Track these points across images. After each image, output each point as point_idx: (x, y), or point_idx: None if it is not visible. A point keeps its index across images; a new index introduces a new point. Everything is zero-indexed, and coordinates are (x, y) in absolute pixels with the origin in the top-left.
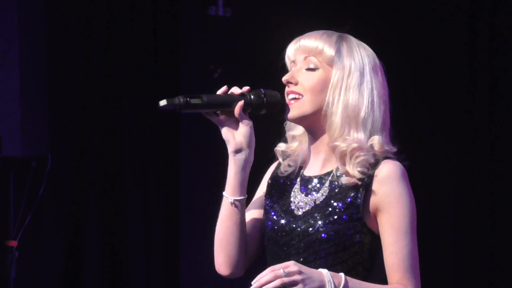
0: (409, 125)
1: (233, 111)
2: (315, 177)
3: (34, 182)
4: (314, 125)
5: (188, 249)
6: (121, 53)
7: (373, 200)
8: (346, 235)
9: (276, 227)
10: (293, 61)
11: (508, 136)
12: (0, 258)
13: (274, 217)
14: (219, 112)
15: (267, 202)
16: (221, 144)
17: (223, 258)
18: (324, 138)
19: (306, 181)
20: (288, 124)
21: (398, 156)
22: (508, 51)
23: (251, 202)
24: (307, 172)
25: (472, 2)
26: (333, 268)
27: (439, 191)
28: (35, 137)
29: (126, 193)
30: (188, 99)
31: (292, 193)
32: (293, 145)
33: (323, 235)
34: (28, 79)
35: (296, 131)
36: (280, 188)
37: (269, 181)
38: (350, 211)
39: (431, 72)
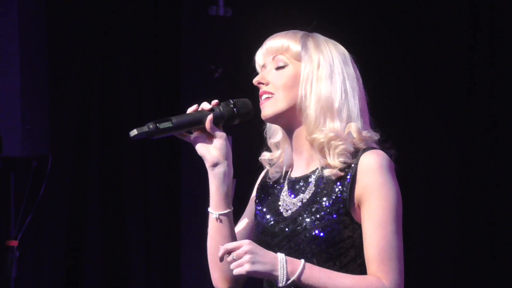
0: (409, 125)
1: (204, 127)
2: (301, 177)
3: (34, 182)
4: (291, 122)
5: (189, 249)
6: (121, 53)
7: (357, 192)
8: (335, 230)
9: (266, 230)
10: (263, 65)
11: (509, 135)
12: (1, 258)
13: (263, 220)
14: (192, 130)
15: (257, 208)
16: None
17: (218, 274)
18: (303, 135)
19: (293, 183)
20: (268, 131)
21: (382, 145)
22: (509, 50)
23: (243, 213)
24: (294, 174)
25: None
26: (326, 265)
27: (440, 190)
28: (35, 137)
29: (127, 192)
30: (157, 124)
31: (281, 196)
32: (277, 153)
33: (311, 232)
34: (28, 79)
35: (276, 137)
36: (269, 193)
37: (258, 188)
38: (337, 206)
39: (431, 71)
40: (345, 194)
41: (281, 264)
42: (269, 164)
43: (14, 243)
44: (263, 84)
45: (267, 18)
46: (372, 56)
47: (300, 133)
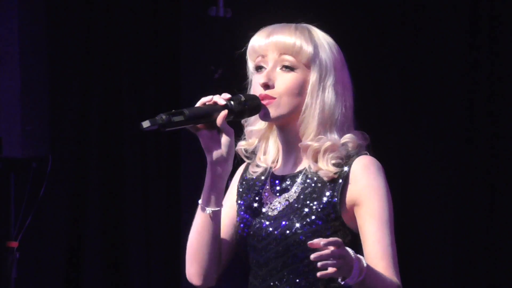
0: (407, 127)
1: (214, 121)
2: (287, 176)
3: (34, 183)
4: (289, 124)
5: None
6: (121, 54)
7: (350, 196)
8: (325, 235)
9: (252, 232)
10: (262, 56)
11: (508, 136)
12: (1, 259)
13: (248, 221)
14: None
15: (239, 205)
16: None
17: (196, 269)
18: (297, 138)
19: (278, 180)
20: (247, 119)
21: (368, 145)
22: (509, 52)
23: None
24: (278, 171)
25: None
26: (315, 271)
27: (438, 192)
28: (35, 137)
29: (127, 193)
30: (170, 117)
31: (264, 194)
32: (253, 140)
33: (301, 237)
34: (28, 80)
35: (257, 125)
36: (251, 191)
37: (239, 185)
38: (327, 211)
39: (431, 69)
40: (336, 198)
41: (356, 264)
42: (245, 155)
43: (14, 244)
44: (269, 86)
45: (267, 19)
46: (372, 57)
47: (294, 135)
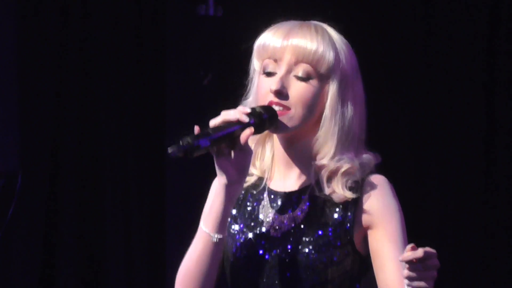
0: (422, 130)
1: (235, 139)
2: (291, 193)
3: (2, 202)
4: (299, 138)
5: (174, 272)
6: (101, 56)
7: (365, 218)
8: (340, 263)
9: (249, 253)
10: (275, 59)
11: None
12: None
13: (244, 241)
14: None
15: (229, 223)
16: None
17: None
18: (306, 153)
19: (279, 196)
20: None
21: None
22: None
23: None
24: (277, 186)
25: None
26: None
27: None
28: (3, 152)
29: (106, 213)
30: (196, 141)
31: (261, 209)
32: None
33: (317, 262)
34: None
35: None
36: (243, 206)
37: None
38: (340, 234)
39: (446, 75)
40: (349, 221)
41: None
42: None
43: None
44: (281, 95)
45: (261, 18)
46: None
47: (303, 150)
